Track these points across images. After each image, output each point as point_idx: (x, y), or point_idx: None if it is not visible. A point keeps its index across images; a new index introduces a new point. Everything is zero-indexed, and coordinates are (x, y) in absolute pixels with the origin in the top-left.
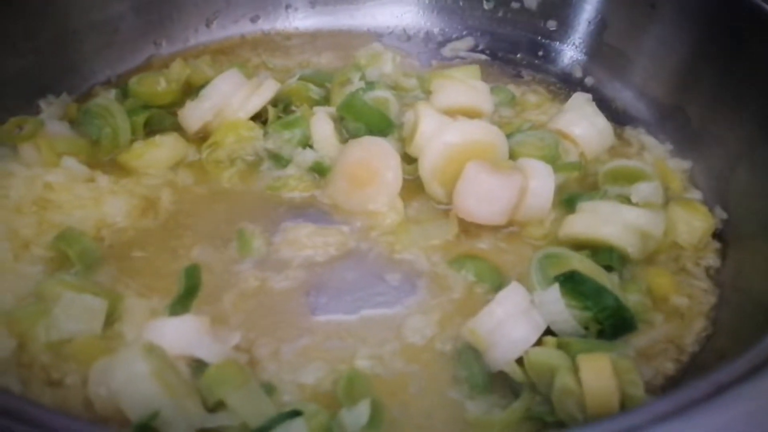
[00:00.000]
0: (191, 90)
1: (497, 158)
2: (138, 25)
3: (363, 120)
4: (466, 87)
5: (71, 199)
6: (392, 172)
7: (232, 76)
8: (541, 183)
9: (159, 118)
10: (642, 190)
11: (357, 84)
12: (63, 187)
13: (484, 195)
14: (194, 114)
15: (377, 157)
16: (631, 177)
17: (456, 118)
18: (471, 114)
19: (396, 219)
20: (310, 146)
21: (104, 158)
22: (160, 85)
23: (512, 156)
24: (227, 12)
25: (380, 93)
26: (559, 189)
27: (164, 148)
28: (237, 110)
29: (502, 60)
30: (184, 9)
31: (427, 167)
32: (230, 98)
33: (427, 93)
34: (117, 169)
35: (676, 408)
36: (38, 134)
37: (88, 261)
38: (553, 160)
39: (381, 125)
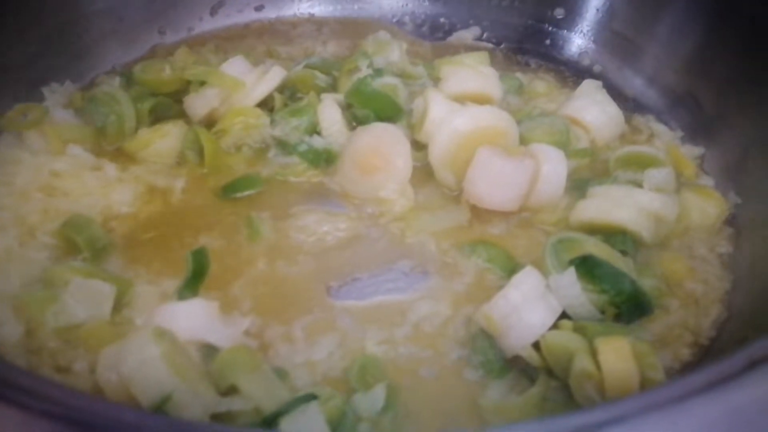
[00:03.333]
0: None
1: (508, 144)
2: (143, 14)
3: (371, 106)
4: (475, 73)
5: (78, 186)
6: (402, 159)
7: (238, 63)
8: (553, 168)
9: (164, 106)
10: (654, 176)
11: (365, 71)
12: (69, 174)
13: (497, 180)
14: (200, 101)
15: (387, 143)
16: (643, 163)
17: (465, 104)
18: (480, 100)
19: (406, 205)
20: (318, 133)
21: (109, 146)
22: (165, 73)
23: (522, 142)
24: (232, 0)
25: (388, 79)
26: (570, 175)
27: (170, 137)
28: (244, 97)
29: (508, 49)
30: None
31: (437, 153)
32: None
33: (435, 80)
34: (123, 157)
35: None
36: (44, 121)
37: (95, 248)
38: (564, 145)
39: (390, 111)
